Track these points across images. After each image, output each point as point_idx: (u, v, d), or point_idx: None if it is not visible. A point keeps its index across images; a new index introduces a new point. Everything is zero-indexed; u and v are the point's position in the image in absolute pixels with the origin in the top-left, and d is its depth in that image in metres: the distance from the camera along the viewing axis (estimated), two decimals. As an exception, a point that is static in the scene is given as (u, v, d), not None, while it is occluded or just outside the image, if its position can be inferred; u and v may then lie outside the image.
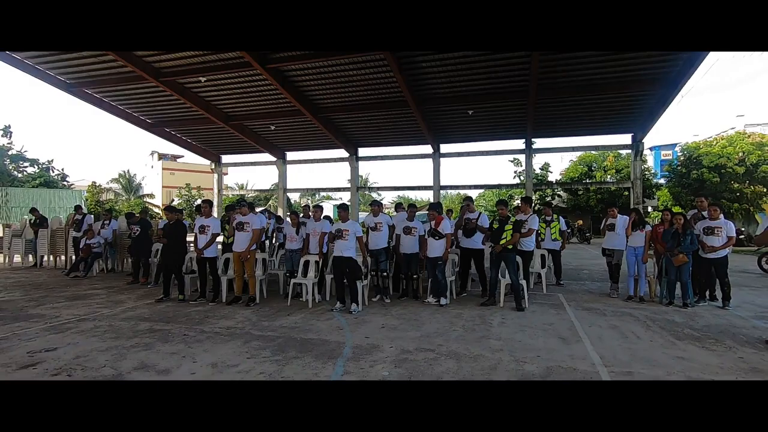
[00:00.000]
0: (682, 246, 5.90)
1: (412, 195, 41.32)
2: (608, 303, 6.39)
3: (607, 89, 11.42)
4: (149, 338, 4.54)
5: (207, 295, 6.58)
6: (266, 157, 18.55)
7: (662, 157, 26.55)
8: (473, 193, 31.02)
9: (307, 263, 6.56)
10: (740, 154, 18.57)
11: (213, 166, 19.64)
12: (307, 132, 15.98)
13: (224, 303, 6.29)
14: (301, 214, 8.56)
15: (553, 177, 26.76)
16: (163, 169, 41.76)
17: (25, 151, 23.92)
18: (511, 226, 6.04)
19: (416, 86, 11.84)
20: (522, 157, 19.10)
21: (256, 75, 11.55)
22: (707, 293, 6.35)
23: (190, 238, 6.97)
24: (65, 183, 25.09)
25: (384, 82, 11.81)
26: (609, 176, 24.17)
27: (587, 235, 20.81)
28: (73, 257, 9.75)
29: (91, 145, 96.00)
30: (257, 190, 33.33)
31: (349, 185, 19.51)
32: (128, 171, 37.15)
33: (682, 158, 20.32)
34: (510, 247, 6.01)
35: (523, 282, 6.15)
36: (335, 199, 34.74)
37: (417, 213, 7.03)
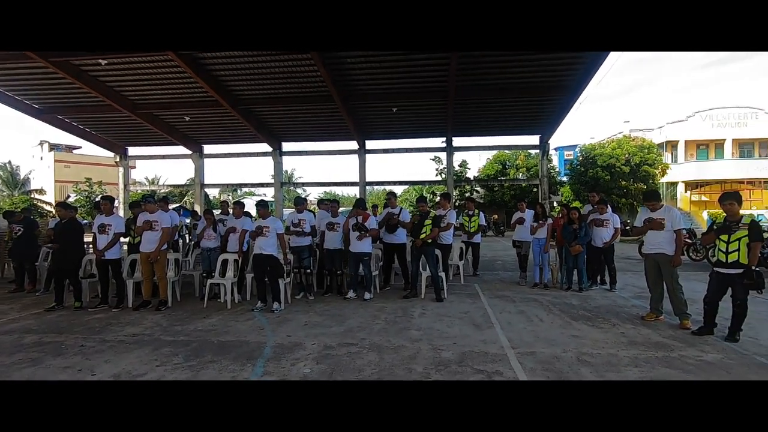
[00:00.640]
0: (578, 238, 6.65)
1: (338, 191, 41.10)
2: (517, 290, 6.96)
3: (517, 93, 12.47)
4: (37, 352, 4.03)
5: (110, 300, 5.98)
6: (181, 150, 17.31)
7: (565, 157, 29.27)
8: (398, 189, 31.77)
9: (225, 262, 6.26)
10: (626, 156, 21.20)
11: (118, 159, 17.85)
12: (227, 124, 15.18)
13: (131, 308, 5.78)
14: (220, 211, 8.14)
15: (471, 174, 28.31)
16: (55, 161, 37.10)
17: None
18: (430, 221, 6.30)
19: (341, 82, 11.80)
20: (443, 155, 19.98)
21: (167, 60, 10.67)
22: (598, 278, 7.23)
23: (88, 238, 6.27)
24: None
25: (309, 77, 11.59)
26: (521, 174, 26.18)
27: (502, 228, 22.37)
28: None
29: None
30: (171, 186, 30.92)
31: (272, 181, 18.92)
32: (10, 163, 32.44)
33: (581, 158, 22.67)
34: (430, 241, 6.29)
35: (442, 274, 6.47)
36: (258, 195, 33.43)
37: (340, 210, 7.05)
